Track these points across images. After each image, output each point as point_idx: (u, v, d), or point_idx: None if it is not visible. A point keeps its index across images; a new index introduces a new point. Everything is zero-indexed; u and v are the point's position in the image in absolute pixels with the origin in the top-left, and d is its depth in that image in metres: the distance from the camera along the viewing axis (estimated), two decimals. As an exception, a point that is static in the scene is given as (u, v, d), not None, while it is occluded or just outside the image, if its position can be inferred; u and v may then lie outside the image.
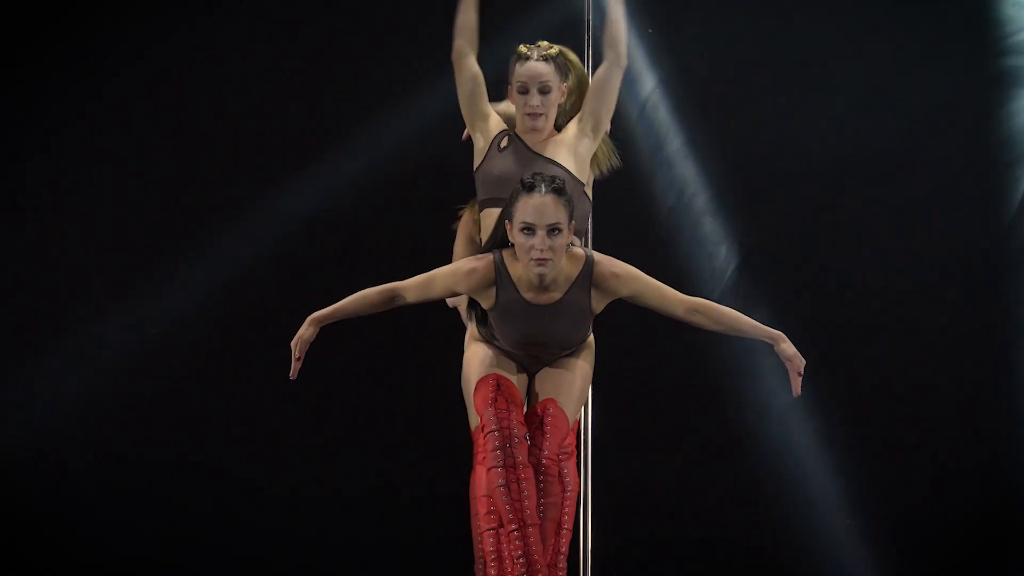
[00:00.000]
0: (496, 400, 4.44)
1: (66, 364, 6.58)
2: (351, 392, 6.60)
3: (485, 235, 4.70)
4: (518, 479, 4.35)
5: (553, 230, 4.23)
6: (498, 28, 6.01)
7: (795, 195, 6.60)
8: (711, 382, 6.55)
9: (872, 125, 6.57)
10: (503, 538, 4.35)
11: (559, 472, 4.46)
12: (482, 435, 4.43)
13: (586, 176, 4.72)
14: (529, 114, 4.64)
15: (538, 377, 4.59)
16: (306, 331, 4.39)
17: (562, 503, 4.45)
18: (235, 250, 6.64)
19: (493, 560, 4.35)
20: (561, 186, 4.28)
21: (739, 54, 6.60)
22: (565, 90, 4.69)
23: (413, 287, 4.42)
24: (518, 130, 4.71)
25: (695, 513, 6.52)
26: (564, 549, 4.47)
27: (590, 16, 5.83)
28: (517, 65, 4.64)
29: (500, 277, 4.39)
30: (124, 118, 6.69)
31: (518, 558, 4.31)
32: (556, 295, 4.39)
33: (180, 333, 6.61)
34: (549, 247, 4.24)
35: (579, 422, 5.18)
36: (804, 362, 4.37)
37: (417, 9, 6.54)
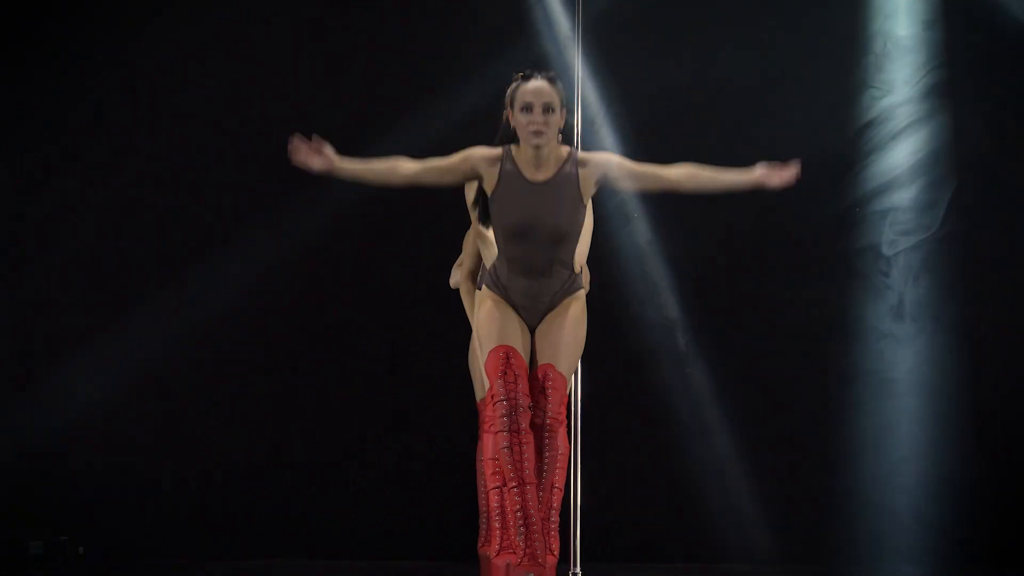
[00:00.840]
0: (506, 373, 4.75)
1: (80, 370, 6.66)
2: (364, 378, 6.72)
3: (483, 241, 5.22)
4: (520, 443, 4.68)
5: (548, 108, 4.78)
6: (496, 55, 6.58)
7: (718, 212, 6.68)
8: (679, 366, 6.73)
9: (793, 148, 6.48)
10: (506, 494, 4.66)
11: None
12: (491, 403, 4.75)
13: None
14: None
15: (538, 340, 4.90)
16: (317, 158, 4.66)
17: (554, 466, 4.79)
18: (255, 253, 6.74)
19: (497, 514, 4.69)
20: (554, 76, 4.87)
21: (664, 93, 6.76)
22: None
23: (433, 162, 4.81)
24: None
25: (666, 475, 6.70)
26: (556, 505, 4.81)
27: (579, 35, 6.27)
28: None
29: (504, 156, 4.88)
30: (136, 122, 6.78)
31: (517, 511, 4.64)
32: (550, 172, 4.86)
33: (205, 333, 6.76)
34: (544, 122, 4.78)
35: (569, 398, 5.39)
36: (783, 171, 4.78)
37: (434, 15, 6.79)
